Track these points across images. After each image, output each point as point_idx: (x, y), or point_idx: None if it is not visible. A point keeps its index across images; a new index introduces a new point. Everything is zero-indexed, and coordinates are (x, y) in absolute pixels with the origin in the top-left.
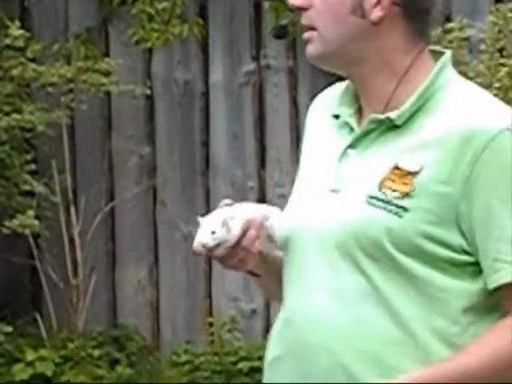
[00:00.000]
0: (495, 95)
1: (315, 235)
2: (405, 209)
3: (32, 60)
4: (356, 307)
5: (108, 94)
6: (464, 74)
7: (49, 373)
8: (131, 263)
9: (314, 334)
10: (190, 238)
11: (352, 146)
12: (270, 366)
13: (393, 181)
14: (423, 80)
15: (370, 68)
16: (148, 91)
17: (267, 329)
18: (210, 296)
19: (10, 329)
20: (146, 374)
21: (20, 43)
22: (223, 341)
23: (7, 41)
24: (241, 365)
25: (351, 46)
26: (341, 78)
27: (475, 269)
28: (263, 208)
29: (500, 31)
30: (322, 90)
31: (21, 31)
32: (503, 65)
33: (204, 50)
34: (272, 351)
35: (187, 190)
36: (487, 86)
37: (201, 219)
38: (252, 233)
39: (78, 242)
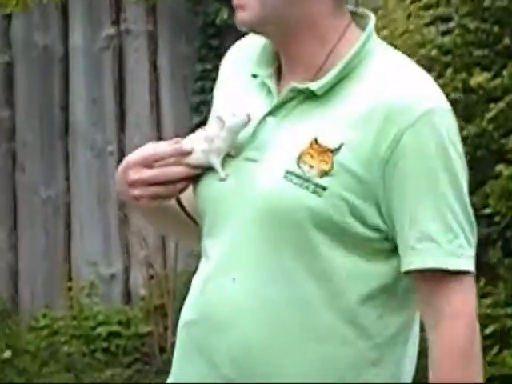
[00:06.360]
0: None
1: (235, 206)
2: (323, 188)
3: None
4: (266, 289)
5: None
6: None
7: None
8: None
9: (223, 311)
10: (49, 201)
11: (271, 113)
12: (185, 328)
13: (312, 156)
14: (349, 48)
15: (300, 34)
16: (7, 58)
17: (126, 293)
18: (69, 260)
19: None
20: (4, 338)
21: None
22: (82, 305)
23: None
24: (99, 329)
25: (289, 9)
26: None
27: (390, 251)
28: None
29: None
30: (182, 54)
31: None
32: None
33: (64, 13)
34: (189, 313)
35: (46, 155)
36: None
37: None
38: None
39: None
